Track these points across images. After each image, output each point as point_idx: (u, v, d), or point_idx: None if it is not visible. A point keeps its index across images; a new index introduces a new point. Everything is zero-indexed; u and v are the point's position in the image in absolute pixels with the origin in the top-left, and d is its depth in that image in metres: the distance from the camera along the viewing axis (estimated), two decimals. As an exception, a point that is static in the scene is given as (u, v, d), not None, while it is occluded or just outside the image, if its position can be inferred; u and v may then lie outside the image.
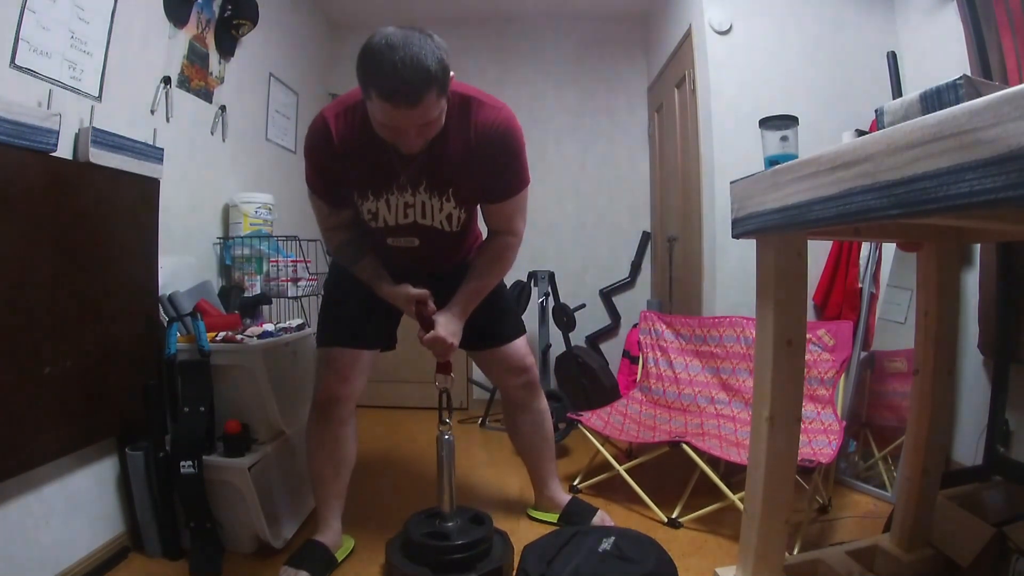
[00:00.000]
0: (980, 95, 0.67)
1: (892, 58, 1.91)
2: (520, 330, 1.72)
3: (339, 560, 1.54)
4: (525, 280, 2.83)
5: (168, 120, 1.88)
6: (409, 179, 1.35)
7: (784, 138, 1.21)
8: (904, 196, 0.75)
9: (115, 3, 1.62)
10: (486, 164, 1.35)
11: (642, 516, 1.84)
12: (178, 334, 1.63)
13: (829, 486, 1.91)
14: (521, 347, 1.70)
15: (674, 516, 1.77)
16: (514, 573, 1.41)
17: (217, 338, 1.67)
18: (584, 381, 2.85)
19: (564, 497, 1.81)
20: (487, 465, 2.44)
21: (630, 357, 2.79)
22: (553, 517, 1.78)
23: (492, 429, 2.91)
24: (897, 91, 1.92)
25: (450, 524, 1.45)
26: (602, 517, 1.73)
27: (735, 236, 1.19)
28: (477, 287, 1.49)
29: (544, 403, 1.79)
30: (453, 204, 1.41)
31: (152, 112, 1.81)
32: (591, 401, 2.67)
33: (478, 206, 1.50)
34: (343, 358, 1.54)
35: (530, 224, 1.75)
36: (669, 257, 2.88)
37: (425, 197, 1.39)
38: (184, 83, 1.97)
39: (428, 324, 1.41)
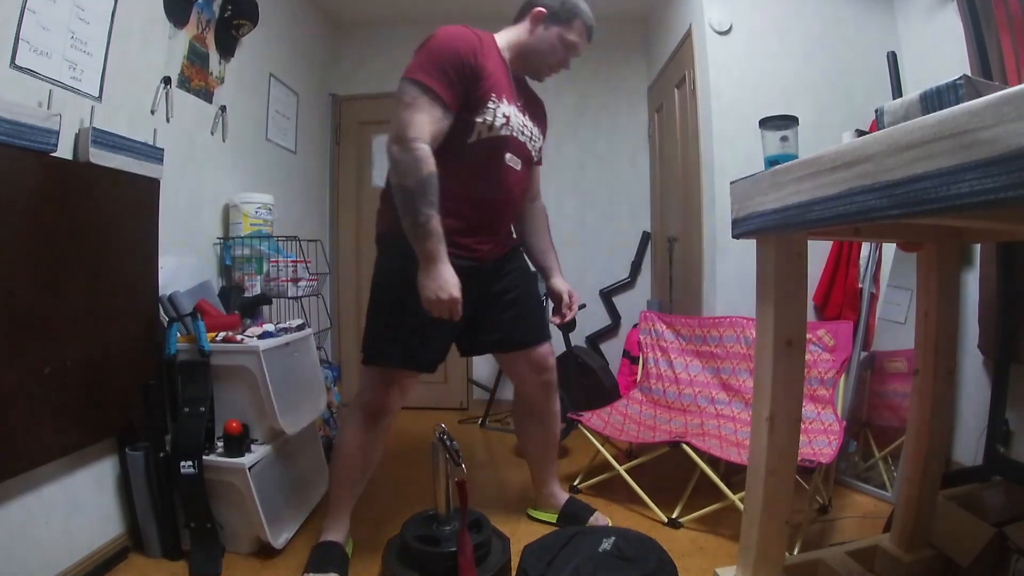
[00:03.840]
0: (980, 95, 0.67)
1: (892, 58, 1.91)
2: (549, 332, 1.74)
3: (349, 554, 1.57)
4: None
5: (168, 120, 1.88)
6: (525, 99, 1.60)
7: (784, 138, 1.21)
8: (904, 196, 0.75)
9: (115, 3, 1.62)
10: (544, 128, 1.71)
11: (642, 516, 1.84)
12: (178, 334, 1.63)
13: (829, 486, 1.91)
14: (549, 347, 1.72)
15: (674, 516, 1.77)
16: (514, 573, 1.41)
17: (217, 338, 1.67)
18: (584, 381, 2.85)
19: (563, 496, 1.81)
20: (487, 465, 2.44)
21: (630, 357, 2.79)
22: (553, 517, 1.79)
23: (492, 429, 2.91)
24: (897, 91, 1.92)
25: (447, 528, 1.45)
26: (597, 517, 1.73)
27: (735, 236, 1.19)
28: (553, 247, 1.78)
29: (557, 405, 1.78)
30: (540, 138, 1.65)
31: (152, 112, 1.81)
32: (591, 401, 2.66)
33: None
34: (409, 381, 1.52)
35: (530, 224, 1.75)
36: (669, 257, 2.88)
37: (528, 121, 1.58)
38: (184, 83, 1.97)
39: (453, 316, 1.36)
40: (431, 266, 1.31)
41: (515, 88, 1.55)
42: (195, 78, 2.03)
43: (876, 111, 0.98)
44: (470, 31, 1.45)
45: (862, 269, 2.15)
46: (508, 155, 1.50)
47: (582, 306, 3.10)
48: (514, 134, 1.50)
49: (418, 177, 1.30)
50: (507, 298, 1.62)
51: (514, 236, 1.74)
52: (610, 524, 1.71)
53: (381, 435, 1.55)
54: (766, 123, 1.24)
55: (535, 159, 1.65)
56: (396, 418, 1.58)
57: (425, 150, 1.31)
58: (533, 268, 1.76)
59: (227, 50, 2.21)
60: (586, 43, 1.60)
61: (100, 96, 1.58)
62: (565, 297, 1.70)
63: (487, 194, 1.49)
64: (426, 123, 1.33)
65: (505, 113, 1.46)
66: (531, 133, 1.58)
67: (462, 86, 1.39)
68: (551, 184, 3.33)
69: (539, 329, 1.70)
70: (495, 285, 1.60)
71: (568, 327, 2.82)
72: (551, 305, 1.79)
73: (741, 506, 1.41)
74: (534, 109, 1.64)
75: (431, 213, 1.30)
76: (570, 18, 1.55)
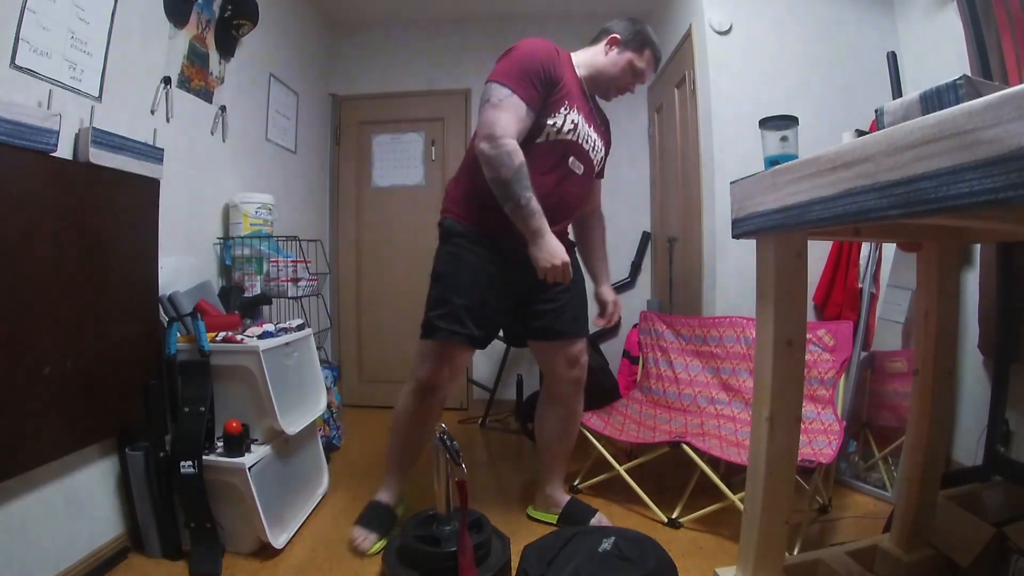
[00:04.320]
0: (980, 95, 0.67)
1: (892, 58, 1.91)
2: (588, 330, 1.85)
3: (399, 514, 1.75)
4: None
5: (168, 120, 1.88)
6: (591, 113, 1.68)
7: (784, 138, 1.21)
8: (904, 196, 0.75)
9: (115, 3, 1.62)
10: (609, 146, 1.81)
11: (642, 516, 1.84)
12: (178, 334, 1.63)
13: (829, 486, 1.91)
14: (584, 344, 1.81)
15: (674, 516, 1.77)
16: (514, 574, 1.41)
17: (217, 338, 1.67)
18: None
19: (563, 497, 1.81)
20: (487, 465, 2.44)
21: (630, 357, 2.79)
22: (553, 517, 1.79)
23: (492, 429, 2.91)
24: (897, 91, 1.91)
25: (447, 528, 1.45)
26: (599, 518, 1.73)
27: (735, 236, 1.19)
28: (606, 258, 1.91)
29: (581, 405, 1.83)
30: (603, 153, 1.75)
31: (152, 112, 1.81)
32: (591, 401, 2.66)
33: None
34: (462, 357, 1.65)
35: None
36: (669, 257, 2.88)
37: (594, 134, 1.68)
38: (184, 83, 1.97)
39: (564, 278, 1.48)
40: (539, 239, 1.45)
41: (587, 102, 1.68)
42: (195, 78, 2.03)
43: (876, 111, 0.98)
44: (550, 44, 1.57)
45: (862, 269, 2.15)
46: (571, 159, 1.61)
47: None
48: (579, 140, 1.60)
49: (512, 167, 1.42)
50: (553, 290, 1.68)
51: (570, 238, 1.80)
52: (611, 525, 1.71)
53: (433, 408, 1.67)
54: (766, 123, 1.24)
55: (597, 169, 1.74)
56: (446, 395, 1.70)
57: (513, 144, 1.44)
58: (584, 272, 1.87)
59: (227, 50, 2.21)
60: (653, 72, 1.74)
61: (100, 96, 1.58)
62: (610, 306, 1.82)
63: (548, 189, 1.56)
64: (512, 121, 1.45)
65: (573, 120, 1.57)
66: (595, 144, 1.68)
67: (543, 90, 1.51)
68: (551, 184, 3.34)
69: (578, 324, 1.78)
70: None
71: (607, 334, 2.91)
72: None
73: (741, 506, 1.41)
74: (602, 126, 1.76)
75: (529, 195, 1.43)
76: (641, 47, 1.68)
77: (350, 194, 3.40)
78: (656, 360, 2.33)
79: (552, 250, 1.44)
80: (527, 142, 1.51)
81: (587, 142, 1.64)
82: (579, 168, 1.64)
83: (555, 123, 1.54)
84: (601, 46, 1.70)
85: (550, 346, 1.74)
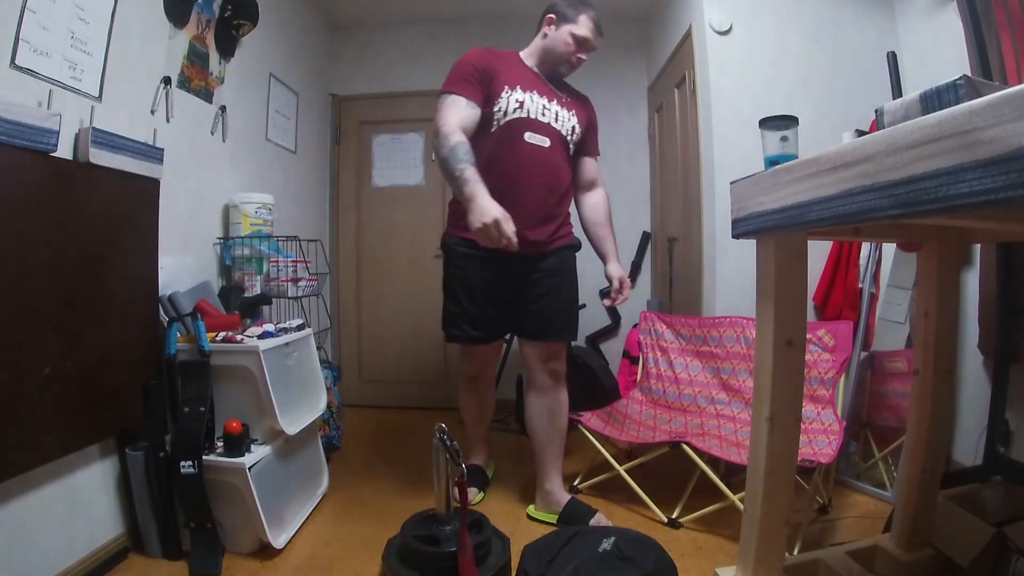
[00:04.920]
0: (980, 95, 0.67)
1: (892, 58, 1.91)
2: (573, 334, 1.89)
3: (490, 475, 2.12)
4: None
5: (168, 120, 1.88)
6: (552, 90, 1.78)
7: (784, 138, 1.21)
8: (904, 196, 0.75)
9: (115, 3, 1.62)
10: (587, 119, 1.88)
11: (642, 516, 1.84)
12: (178, 334, 1.63)
13: (829, 486, 1.91)
14: (562, 346, 1.88)
15: (674, 516, 1.77)
16: (514, 574, 1.41)
17: (217, 338, 1.67)
18: (584, 381, 2.84)
19: (564, 496, 1.81)
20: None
21: (630, 357, 2.79)
22: (553, 517, 1.79)
23: (492, 429, 2.90)
24: (897, 91, 1.91)
25: (447, 528, 1.45)
26: (599, 518, 1.73)
27: (735, 236, 1.19)
28: (612, 235, 1.93)
29: (564, 395, 1.87)
30: (575, 121, 1.81)
31: (152, 112, 1.81)
32: (591, 401, 2.66)
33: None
34: (481, 352, 1.91)
35: (530, 224, 1.75)
36: (669, 257, 2.88)
37: (558, 107, 1.77)
38: (184, 83, 1.97)
39: (508, 243, 1.45)
40: (471, 203, 1.45)
41: (543, 84, 1.78)
42: (195, 78, 2.03)
43: (876, 111, 0.98)
44: (484, 48, 1.73)
45: (862, 269, 2.15)
46: (528, 134, 1.70)
47: (582, 306, 3.12)
48: (530, 116, 1.70)
49: (447, 145, 1.52)
50: (536, 292, 1.79)
51: (561, 235, 1.83)
52: (611, 525, 1.71)
53: (483, 392, 2.04)
54: (766, 123, 1.23)
55: (572, 140, 1.81)
56: (493, 378, 2.11)
57: (452, 127, 1.55)
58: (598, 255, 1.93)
59: (227, 50, 2.21)
60: (598, 36, 1.78)
61: (100, 96, 1.58)
62: (615, 283, 1.86)
63: (509, 168, 1.66)
64: (452, 113, 1.59)
65: (518, 99, 1.69)
66: (557, 115, 1.75)
67: (480, 84, 1.65)
68: (551, 184, 3.33)
69: (554, 330, 1.81)
70: (531, 276, 1.78)
71: (607, 334, 3.11)
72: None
73: (741, 506, 1.41)
74: (573, 102, 1.84)
75: (464, 166, 1.48)
76: (576, 14, 1.74)
77: (350, 194, 3.40)
78: (656, 360, 2.33)
79: (483, 209, 1.41)
80: (482, 134, 1.65)
81: (544, 115, 1.72)
82: (543, 141, 1.71)
83: (499, 107, 1.67)
84: (541, 31, 1.80)
85: (528, 344, 1.84)
